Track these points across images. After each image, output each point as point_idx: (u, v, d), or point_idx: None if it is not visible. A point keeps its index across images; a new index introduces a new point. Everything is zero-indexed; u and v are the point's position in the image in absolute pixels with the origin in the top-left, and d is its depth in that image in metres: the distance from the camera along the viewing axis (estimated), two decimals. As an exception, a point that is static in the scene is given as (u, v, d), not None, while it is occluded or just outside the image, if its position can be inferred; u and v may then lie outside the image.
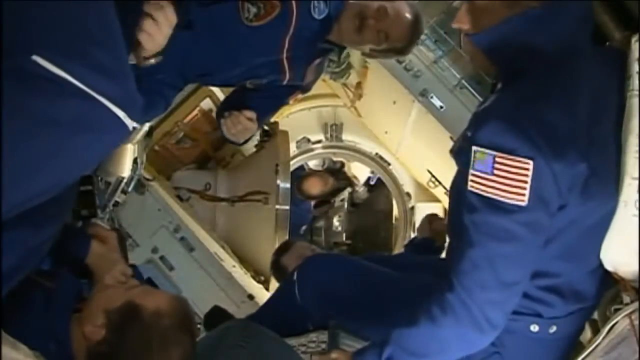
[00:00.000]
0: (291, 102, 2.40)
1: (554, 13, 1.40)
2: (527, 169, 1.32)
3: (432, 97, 2.84)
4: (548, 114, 1.34)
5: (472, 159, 1.38)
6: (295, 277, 2.02)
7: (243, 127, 2.15)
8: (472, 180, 1.39)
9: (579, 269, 1.49)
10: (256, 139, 3.79)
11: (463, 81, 2.74)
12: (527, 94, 1.39)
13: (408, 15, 2.19)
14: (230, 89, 2.52)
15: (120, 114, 0.90)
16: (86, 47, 0.89)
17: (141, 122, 2.42)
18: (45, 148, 0.85)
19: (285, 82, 2.25)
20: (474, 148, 1.38)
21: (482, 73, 2.63)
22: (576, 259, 1.47)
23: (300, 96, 2.40)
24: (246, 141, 2.29)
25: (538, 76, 1.41)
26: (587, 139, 1.37)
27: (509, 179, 1.34)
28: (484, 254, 1.39)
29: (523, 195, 1.33)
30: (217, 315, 2.39)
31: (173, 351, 1.37)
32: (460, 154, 1.52)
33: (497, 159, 1.34)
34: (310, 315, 2.00)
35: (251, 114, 2.15)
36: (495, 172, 1.35)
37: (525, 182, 1.33)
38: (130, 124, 0.92)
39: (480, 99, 2.67)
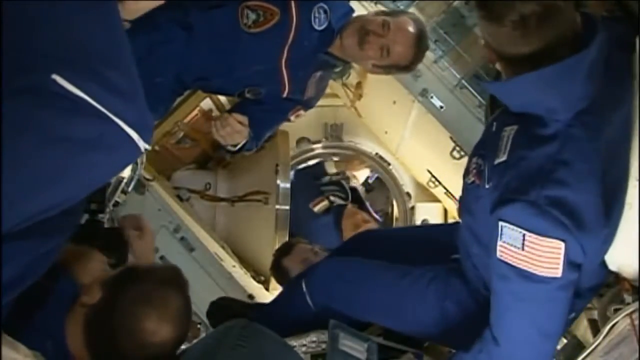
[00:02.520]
0: (293, 118, 2.35)
1: (565, 72, 1.35)
2: (559, 249, 1.35)
3: (432, 97, 2.83)
4: (572, 195, 1.35)
5: (499, 231, 1.41)
6: (304, 287, 2.01)
7: (232, 130, 2.11)
8: (502, 251, 1.42)
9: (591, 279, 1.52)
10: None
11: (463, 81, 2.74)
12: (547, 167, 1.37)
13: (412, 32, 2.15)
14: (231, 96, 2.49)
15: (134, 135, 0.92)
16: (102, 69, 0.91)
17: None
18: (58, 164, 0.87)
19: (285, 95, 2.23)
20: (500, 223, 1.40)
21: (482, 73, 2.64)
22: (590, 273, 1.50)
23: (303, 113, 2.35)
24: (240, 149, 2.25)
25: (555, 143, 1.38)
26: (609, 199, 1.38)
27: (542, 256, 1.36)
28: (528, 317, 1.44)
29: (557, 269, 1.37)
30: (221, 309, 2.38)
31: (170, 301, 1.40)
32: (476, 197, 1.56)
33: (528, 238, 1.36)
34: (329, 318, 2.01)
35: (242, 118, 2.13)
36: (526, 248, 1.37)
37: (558, 259, 1.36)
38: (142, 145, 0.94)
39: (480, 99, 2.68)
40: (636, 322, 1.39)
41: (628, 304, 1.44)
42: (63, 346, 1.36)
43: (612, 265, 1.48)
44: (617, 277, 1.54)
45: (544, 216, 1.34)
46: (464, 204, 1.72)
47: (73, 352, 1.37)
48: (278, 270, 2.89)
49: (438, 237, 2.13)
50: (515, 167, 1.43)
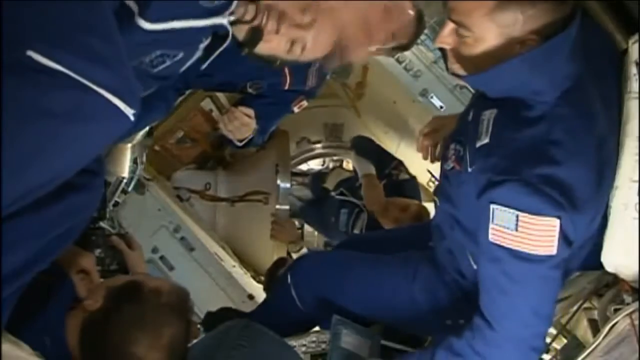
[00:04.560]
0: (296, 109, 2.36)
1: (551, 53, 1.34)
2: (554, 226, 1.33)
3: (432, 97, 2.84)
4: (564, 173, 1.33)
5: (490, 214, 1.38)
6: (289, 280, 2.02)
7: (240, 123, 2.13)
8: (494, 233, 1.40)
9: (579, 258, 1.52)
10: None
11: (463, 81, 2.74)
12: (537, 148, 1.35)
13: (412, 12, 2.20)
14: (233, 94, 2.48)
15: (119, 103, 0.89)
16: (79, 37, 0.88)
17: (143, 125, 2.41)
18: (41, 140, 0.84)
19: (287, 87, 2.24)
20: (492, 206, 1.38)
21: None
22: (578, 255, 1.50)
23: (305, 103, 2.37)
24: (247, 144, 2.26)
25: (543, 123, 1.37)
26: (599, 180, 1.37)
27: (536, 235, 1.35)
28: (522, 299, 1.42)
29: (552, 246, 1.35)
30: (219, 317, 2.38)
31: (165, 329, 1.37)
32: (462, 183, 1.52)
33: (521, 218, 1.34)
34: (316, 316, 2.02)
35: (248, 110, 2.14)
36: (520, 229, 1.35)
37: (553, 236, 1.34)
38: (130, 112, 0.90)
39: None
40: (636, 322, 1.38)
41: (628, 304, 1.44)
42: (62, 344, 1.36)
43: (609, 267, 1.48)
44: (616, 278, 1.54)
45: (537, 195, 1.32)
46: (441, 191, 1.70)
47: (72, 351, 1.37)
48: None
49: (422, 229, 2.12)
50: (501, 148, 1.40)
